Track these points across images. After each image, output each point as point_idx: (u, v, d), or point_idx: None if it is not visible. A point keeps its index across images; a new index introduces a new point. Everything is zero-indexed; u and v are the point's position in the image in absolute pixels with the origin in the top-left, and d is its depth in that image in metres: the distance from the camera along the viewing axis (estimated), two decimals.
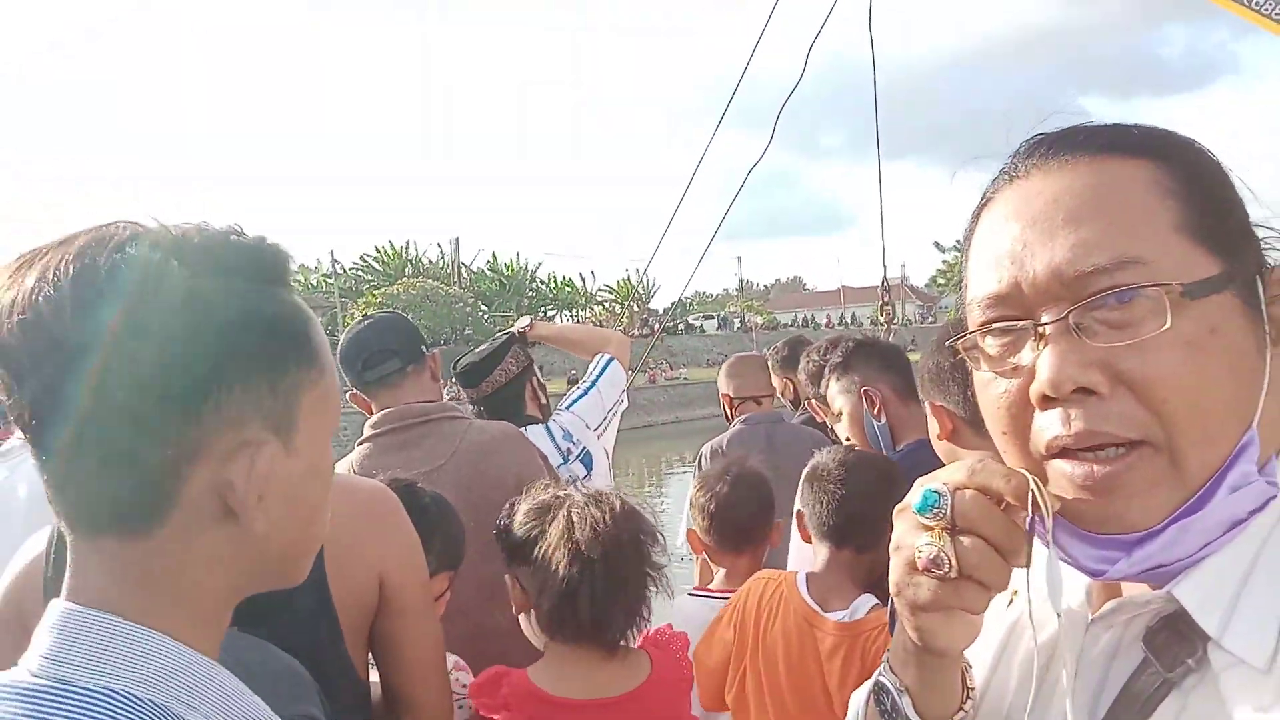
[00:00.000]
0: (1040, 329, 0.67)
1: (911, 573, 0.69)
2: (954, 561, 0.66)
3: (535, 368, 2.96)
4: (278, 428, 0.73)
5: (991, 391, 0.71)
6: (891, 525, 0.73)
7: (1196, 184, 0.67)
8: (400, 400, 2.28)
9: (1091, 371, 0.64)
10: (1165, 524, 0.64)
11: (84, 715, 0.63)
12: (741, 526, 2.35)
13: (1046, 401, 0.66)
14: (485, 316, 54.25)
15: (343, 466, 2.13)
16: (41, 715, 0.63)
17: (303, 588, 0.83)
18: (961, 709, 0.78)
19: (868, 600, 1.90)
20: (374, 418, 2.28)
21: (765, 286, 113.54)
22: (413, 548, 1.57)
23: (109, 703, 0.64)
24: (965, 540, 0.67)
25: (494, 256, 66.40)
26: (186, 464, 0.69)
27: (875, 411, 2.27)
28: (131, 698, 0.65)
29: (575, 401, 2.93)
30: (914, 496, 0.70)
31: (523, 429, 2.52)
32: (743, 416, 3.51)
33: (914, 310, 76.26)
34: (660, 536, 1.68)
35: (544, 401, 2.95)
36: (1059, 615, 0.67)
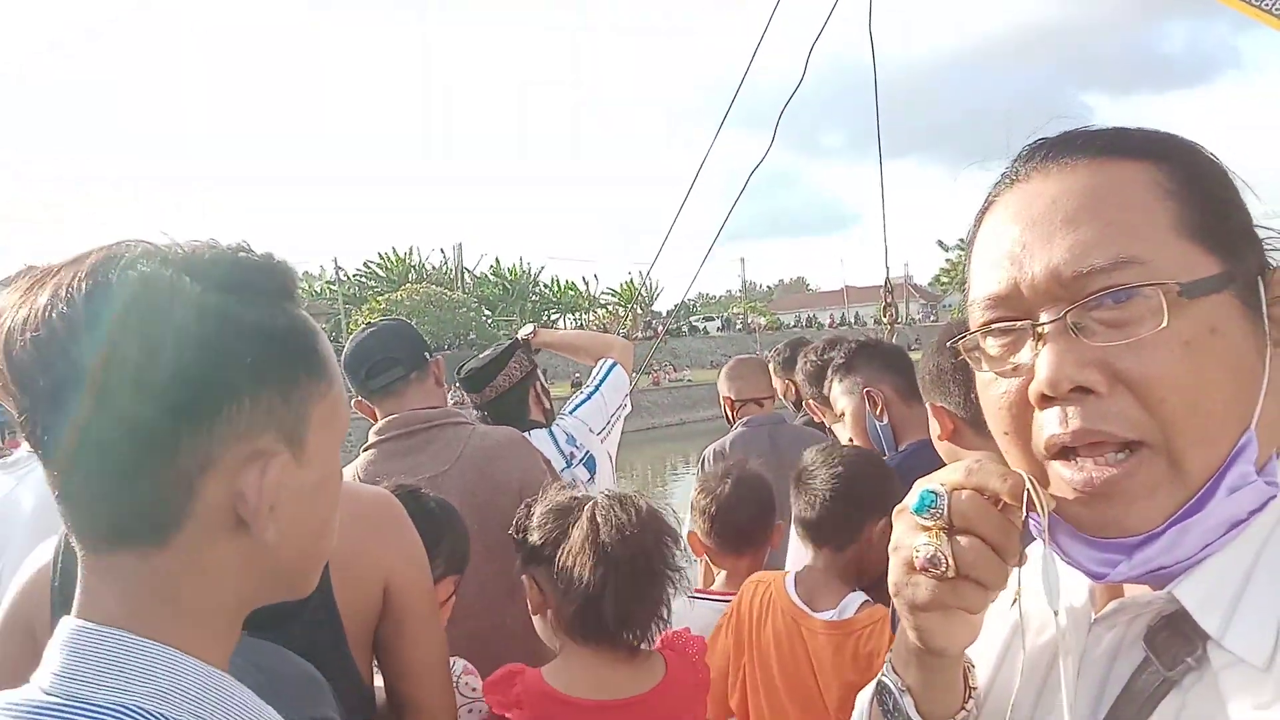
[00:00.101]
0: (1039, 329, 0.67)
1: (910, 573, 0.70)
2: (951, 561, 0.67)
3: (539, 373, 2.97)
4: (289, 439, 0.73)
5: (992, 392, 0.72)
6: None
7: (1196, 185, 0.67)
8: (404, 407, 2.28)
9: (1089, 370, 0.64)
10: (1165, 527, 0.65)
11: None
12: (742, 528, 2.35)
13: (1045, 401, 0.66)
14: (489, 321, 54.34)
15: (348, 473, 2.13)
16: None
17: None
18: (963, 708, 0.78)
19: (857, 598, 1.89)
20: (378, 424, 2.29)
21: (769, 287, 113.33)
22: (417, 554, 1.57)
23: (123, 718, 0.64)
24: (962, 540, 0.67)
25: (497, 261, 66.64)
26: (199, 477, 0.69)
27: (877, 412, 2.28)
28: (146, 713, 0.65)
29: (578, 406, 2.94)
30: (912, 497, 0.70)
31: (526, 433, 2.52)
32: (745, 419, 3.51)
33: (918, 309, 76.22)
34: (681, 538, 1.67)
35: (548, 406, 2.96)
36: (1056, 614, 0.67)
